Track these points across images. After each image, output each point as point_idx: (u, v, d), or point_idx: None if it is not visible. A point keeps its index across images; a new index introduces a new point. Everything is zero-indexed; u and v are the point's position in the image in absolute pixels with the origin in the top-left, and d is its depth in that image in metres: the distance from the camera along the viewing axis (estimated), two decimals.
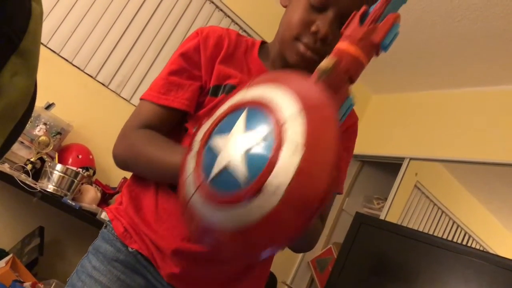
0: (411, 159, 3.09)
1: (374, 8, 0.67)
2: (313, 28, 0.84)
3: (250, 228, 0.51)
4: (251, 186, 0.51)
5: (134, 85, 2.77)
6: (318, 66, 0.64)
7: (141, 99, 0.93)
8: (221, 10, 3.04)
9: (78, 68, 2.58)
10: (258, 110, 0.55)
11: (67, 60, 2.55)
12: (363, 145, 3.56)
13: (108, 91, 2.68)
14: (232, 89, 0.90)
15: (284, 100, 0.54)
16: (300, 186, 0.49)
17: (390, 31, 0.66)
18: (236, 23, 3.10)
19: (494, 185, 2.99)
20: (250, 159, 0.52)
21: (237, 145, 0.53)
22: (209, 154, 0.57)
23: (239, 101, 0.58)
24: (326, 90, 0.57)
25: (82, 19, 2.59)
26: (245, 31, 3.13)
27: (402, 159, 3.13)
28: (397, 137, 3.34)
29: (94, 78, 2.63)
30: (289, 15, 0.88)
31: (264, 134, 0.52)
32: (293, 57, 0.88)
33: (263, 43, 1.01)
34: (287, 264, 3.41)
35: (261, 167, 0.50)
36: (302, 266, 3.45)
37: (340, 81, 0.64)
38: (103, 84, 2.66)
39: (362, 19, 0.67)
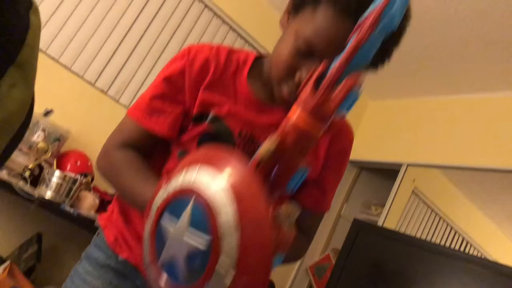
0: (408, 165, 3.09)
1: (331, 71, 0.62)
2: (297, 78, 0.82)
3: None
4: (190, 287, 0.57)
5: (133, 92, 2.78)
6: (259, 150, 0.62)
7: (126, 114, 0.94)
8: (219, 17, 3.05)
9: (77, 75, 2.59)
10: (201, 209, 0.58)
11: (66, 67, 2.55)
12: (361, 151, 3.56)
13: (106, 97, 2.69)
14: (215, 119, 0.90)
15: (224, 204, 0.56)
16: None
17: (348, 98, 0.60)
18: (234, 30, 3.11)
19: (492, 191, 2.99)
20: (191, 261, 0.57)
21: (181, 243, 0.58)
22: (160, 236, 0.62)
23: (188, 186, 0.60)
24: (265, 184, 0.58)
25: (81, 26, 2.60)
26: (244, 38, 3.14)
27: (400, 165, 3.14)
28: (394, 143, 3.35)
29: (93, 85, 2.64)
30: (280, 50, 0.86)
31: (205, 241, 0.56)
32: (277, 95, 0.87)
33: (258, 58, 0.97)
34: (285, 271, 3.41)
35: (199, 274, 0.56)
36: (300, 272, 3.45)
37: (290, 157, 0.62)
38: (102, 91, 2.67)
39: (318, 81, 0.62)
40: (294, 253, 0.96)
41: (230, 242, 0.54)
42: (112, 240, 0.97)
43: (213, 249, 0.55)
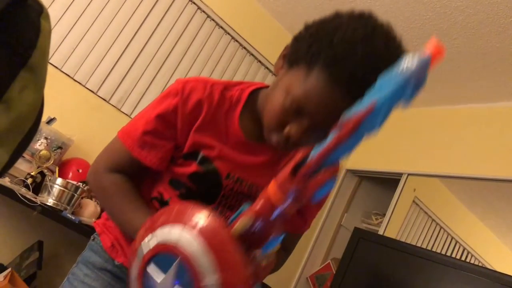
0: (409, 174, 3.10)
1: (309, 162, 0.63)
2: (285, 132, 0.82)
3: None
4: None
5: (135, 101, 2.80)
6: (235, 226, 0.65)
7: (118, 137, 0.95)
8: (221, 27, 3.08)
9: (79, 83, 2.61)
10: (186, 271, 0.63)
11: (68, 76, 2.57)
12: (361, 161, 3.57)
13: (109, 106, 2.71)
14: (205, 160, 0.92)
15: (208, 270, 0.61)
16: None
17: (322, 188, 0.63)
18: (236, 40, 3.14)
19: (492, 201, 2.99)
20: None
21: None
22: (147, 282, 0.67)
23: (175, 243, 0.64)
24: (242, 249, 0.63)
25: (84, 35, 2.63)
26: (245, 48, 3.17)
27: (400, 174, 3.14)
28: (395, 153, 3.36)
29: (95, 93, 2.66)
30: (272, 99, 0.85)
31: None
32: (268, 140, 0.88)
33: (254, 91, 0.96)
34: (286, 280, 3.40)
35: None
36: (301, 281, 3.43)
37: (262, 230, 0.66)
38: (104, 99, 2.69)
39: (297, 167, 0.64)
40: (274, 268, 1.01)
41: None
42: (109, 245, 1.00)
43: None
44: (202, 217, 0.65)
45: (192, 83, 0.92)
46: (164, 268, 0.64)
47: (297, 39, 0.85)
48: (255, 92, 0.96)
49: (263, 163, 0.95)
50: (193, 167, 0.92)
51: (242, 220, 0.65)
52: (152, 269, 0.66)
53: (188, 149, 0.92)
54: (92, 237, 1.06)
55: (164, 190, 0.97)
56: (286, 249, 1.00)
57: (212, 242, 0.62)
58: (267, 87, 0.97)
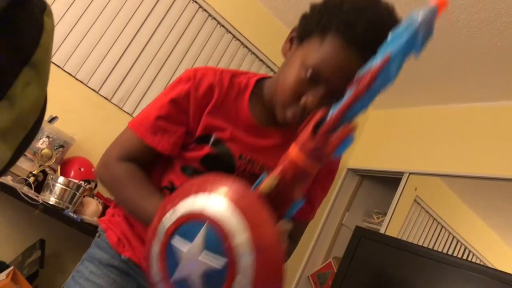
0: (410, 173, 3.10)
1: (330, 118, 0.66)
2: (302, 102, 0.85)
3: None
4: None
5: (137, 99, 2.80)
6: (262, 186, 0.67)
7: (129, 127, 0.97)
8: (223, 26, 3.08)
9: (81, 82, 2.61)
10: (215, 233, 0.61)
11: (70, 74, 2.58)
12: (363, 160, 3.57)
13: (110, 105, 2.71)
14: (218, 142, 0.94)
15: (237, 228, 0.60)
16: None
17: (343, 143, 0.65)
18: (237, 39, 3.14)
19: (493, 200, 2.99)
20: (207, 281, 0.60)
21: (197, 263, 0.61)
22: (172, 255, 0.65)
23: (201, 211, 0.63)
24: (270, 208, 0.63)
25: (86, 34, 2.63)
26: (247, 47, 3.17)
27: (402, 173, 3.14)
28: (396, 152, 3.36)
29: (97, 92, 2.66)
30: (284, 76, 0.89)
31: (221, 262, 0.60)
32: (281, 118, 0.91)
33: (259, 80, 1.00)
34: (287, 279, 3.40)
35: None
36: (302, 280, 3.44)
37: (289, 190, 0.68)
38: (105, 98, 2.69)
39: (317, 126, 0.67)
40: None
41: (246, 263, 0.58)
42: (115, 240, 1.00)
43: (230, 269, 0.59)
44: (226, 183, 0.66)
45: (203, 70, 0.96)
46: (190, 237, 0.63)
47: (305, 17, 0.90)
48: (261, 81, 1.00)
49: (273, 146, 0.97)
50: (205, 150, 0.94)
51: (268, 181, 0.67)
52: (177, 241, 0.64)
53: (201, 132, 0.95)
54: (97, 234, 1.06)
55: (175, 178, 0.98)
56: (293, 239, 1.01)
57: (240, 202, 0.62)
58: (271, 77, 1.02)
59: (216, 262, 0.60)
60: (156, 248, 0.67)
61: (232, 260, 0.59)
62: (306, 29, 0.88)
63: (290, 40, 0.93)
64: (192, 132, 0.96)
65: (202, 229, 0.61)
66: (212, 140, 0.94)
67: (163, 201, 0.72)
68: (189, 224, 0.64)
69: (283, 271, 0.59)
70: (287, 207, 0.70)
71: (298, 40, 0.90)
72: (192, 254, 0.62)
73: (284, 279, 0.60)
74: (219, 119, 0.95)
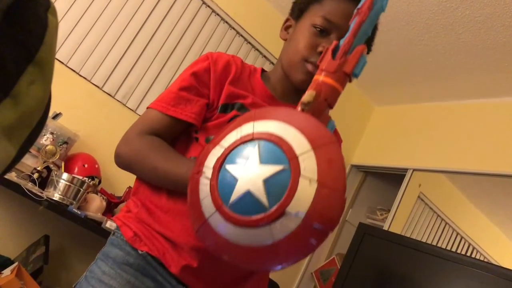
0: (414, 170, 3.09)
1: (343, 43, 0.76)
2: (320, 49, 0.95)
3: (272, 246, 0.58)
4: (274, 211, 0.58)
5: (140, 96, 2.80)
6: (301, 100, 0.71)
7: (148, 108, 0.99)
8: (226, 22, 3.08)
9: (85, 79, 2.62)
10: (270, 143, 0.62)
11: (74, 71, 2.58)
12: (366, 156, 3.57)
13: (114, 101, 2.71)
14: (242, 107, 0.98)
15: (292, 135, 0.62)
16: (317, 212, 0.57)
17: (359, 61, 0.74)
18: (241, 35, 3.13)
19: (497, 197, 2.99)
20: (271, 187, 0.59)
21: (256, 175, 0.60)
22: (225, 181, 0.63)
23: (248, 135, 0.64)
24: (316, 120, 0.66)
25: (89, 31, 2.63)
26: (251, 43, 3.17)
27: (406, 170, 3.14)
28: (400, 148, 3.35)
29: (101, 89, 2.67)
30: (295, 43, 1.00)
31: (281, 166, 0.60)
32: (301, 76, 0.99)
33: (263, 71, 1.10)
34: (291, 275, 3.41)
35: (281, 195, 0.58)
36: (306, 277, 3.44)
37: (321, 109, 0.73)
38: (109, 95, 2.70)
39: (334, 53, 0.76)
40: None
41: (309, 160, 0.59)
42: (131, 235, 0.95)
43: (293, 168, 0.59)
44: (268, 108, 0.72)
45: (217, 53, 1.04)
46: (244, 158, 0.63)
47: (295, 3, 1.07)
48: (264, 71, 1.11)
49: None
50: (232, 114, 0.97)
51: (306, 95, 0.72)
52: (229, 167, 0.63)
53: (225, 100, 0.99)
54: (112, 232, 1.02)
55: (198, 153, 0.96)
56: None
57: (288, 116, 0.64)
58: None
59: (277, 166, 0.60)
60: (204, 185, 0.66)
61: (294, 158, 0.59)
62: (302, 6, 1.03)
63: (286, 27, 1.08)
64: (213, 104, 0.99)
65: (256, 145, 0.62)
66: (236, 106, 0.99)
67: (203, 149, 0.71)
68: (240, 148, 0.64)
69: (344, 165, 0.60)
70: (324, 124, 0.74)
71: (296, 18, 1.04)
72: (250, 168, 0.61)
73: (345, 174, 0.60)
74: (240, 89, 1.01)
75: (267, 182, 0.59)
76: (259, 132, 0.63)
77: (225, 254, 0.64)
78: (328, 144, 0.61)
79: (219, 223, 0.62)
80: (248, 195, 0.60)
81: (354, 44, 0.76)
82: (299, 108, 0.71)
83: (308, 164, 0.59)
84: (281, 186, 0.58)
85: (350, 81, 0.77)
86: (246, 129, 0.65)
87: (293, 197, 0.57)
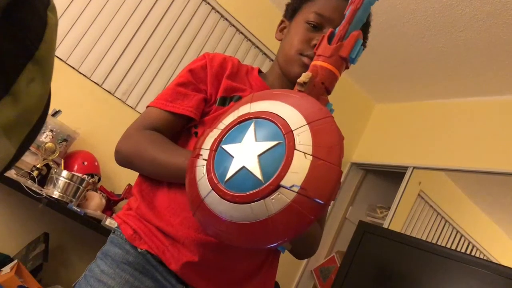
0: (414, 168, 3.09)
1: (339, 29, 0.79)
2: (314, 42, 0.98)
3: (267, 221, 0.58)
4: (268, 184, 0.58)
5: (140, 93, 2.80)
6: (298, 80, 0.73)
7: (148, 106, 1.01)
8: (226, 19, 3.07)
9: (85, 76, 2.61)
10: (266, 121, 0.62)
11: (74, 68, 2.57)
12: (367, 154, 3.57)
13: (114, 98, 2.71)
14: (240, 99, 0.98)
15: (287, 112, 0.62)
16: (312, 185, 0.57)
17: (355, 46, 0.77)
18: (241, 32, 3.13)
19: (498, 194, 2.98)
20: (266, 162, 0.60)
21: (251, 151, 0.61)
22: (221, 160, 0.63)
23: (245, 115, 0.65)
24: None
25: (89, 28, 2.62)
26: (251, 41, 3.16)
27: (406, 168, 3.14)
28: (400, 146, 3.35)
29: (100, 86, 2.66)
30: (290, 39, 1.04)
31: (276, 141, 0.60)
32: (298, 69, 1.00)
33: (259, 71, 1.13)
34: (290, 273, 3.41)
35: (276, 169, 0.58)
36: (305, 274, 3.45)
37: (319, 92, 0.74)
38: (109, 92, 2.69)
39: (330, 39, 0.79)
40: (314, 237, 1.04)
41: (304, 134, 0.59)
42: (131, 233, 0.95)
43: (288, 142, 0.59)
44: (265, 91, 0.73)
45: (213, 53, 1.07)
46: (240, 136, 0.63)
47: (288, 4, 1.13)
48: (261, 72, 1.14)
49: None
50: (229, 107, 0.97)
51: (302, 78, 0.73)
52: (225, 147, 0.64)
53: (223, 93, 1.01)
54: (112, 231, 1.02)
55: None
56: (318, 221, 1.05)
57: (284, 96, 0.66)
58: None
59: (272, 142, 0.60)
60: (200, 166, 0.66)
61: (289, 132, 0.60)
62: (295, 5, 1.08)
63: (281, 30, 1.14)
64: (211, 99, 1.01)
65: (252, 123, 0.63)
66: (235, 98, 1.01)
67: (201, 134, 0.73)
68: (235, 129, 0.65)
69: (339, 137, 0.61)
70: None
71: (290, 19, 1.09)
72: (246, 146, 0.62)
73: (341, 147, 0.61)
74: (237, 83, 1.04)
75: (262, 157, 0.60)
76: (255, 112, 0.64)
77: (222, 233, 0.64)
78: (323, 118, 0.61)
79: (214, 202, 0.62)
80: (243, 172, 0.60)
81: (349, 31, 0.78)
82: (296, 89, 0.72)
83: (303, 138, 0.59)
84: (276, 161, 0.59)
85: (347, 67, 0.79)
86: (243, 110, 0.66)
87: (288, 170, 0.57)
